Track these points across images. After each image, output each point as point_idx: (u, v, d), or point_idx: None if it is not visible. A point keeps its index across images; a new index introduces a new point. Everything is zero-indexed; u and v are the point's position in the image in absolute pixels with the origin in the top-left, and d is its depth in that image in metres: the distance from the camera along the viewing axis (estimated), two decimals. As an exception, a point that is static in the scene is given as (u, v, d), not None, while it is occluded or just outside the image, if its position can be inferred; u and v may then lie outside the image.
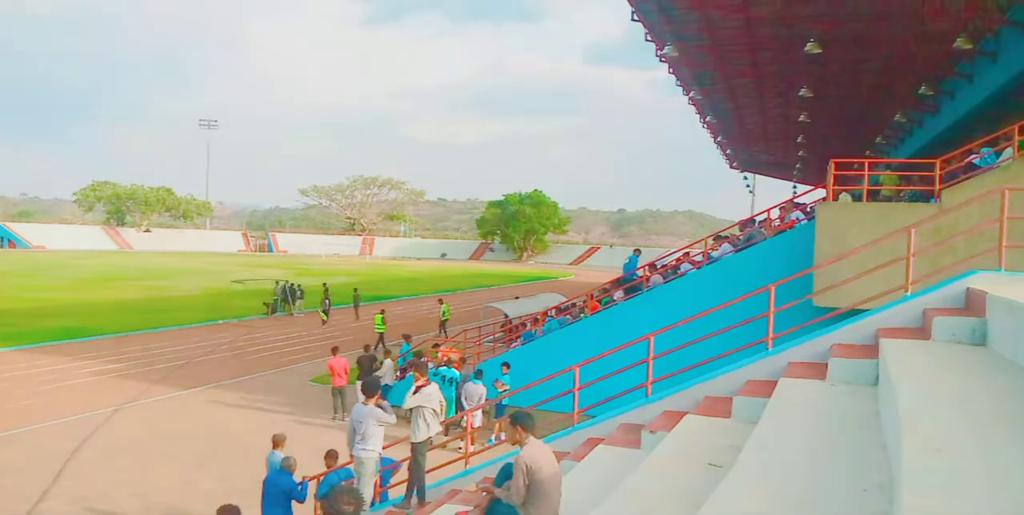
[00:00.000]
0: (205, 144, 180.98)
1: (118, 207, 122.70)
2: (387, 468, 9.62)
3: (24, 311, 31.92)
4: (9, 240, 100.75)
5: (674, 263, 18.95)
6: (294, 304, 35.27)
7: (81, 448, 13.34)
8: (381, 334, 27.46)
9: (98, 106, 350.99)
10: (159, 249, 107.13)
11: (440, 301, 30.78)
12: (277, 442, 9.40)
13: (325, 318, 31.74)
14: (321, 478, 9.00)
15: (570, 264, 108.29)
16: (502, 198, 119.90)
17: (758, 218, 19.05)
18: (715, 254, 17.51)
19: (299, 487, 8.53)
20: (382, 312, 27.97)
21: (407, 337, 19.94)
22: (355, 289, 34.01)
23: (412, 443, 8.62)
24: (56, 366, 20.89)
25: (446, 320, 29.31)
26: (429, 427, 8.63)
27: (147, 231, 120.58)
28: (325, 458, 9.19)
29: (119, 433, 14.49)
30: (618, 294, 18.55)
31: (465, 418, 12.55)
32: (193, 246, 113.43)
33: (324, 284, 34.69)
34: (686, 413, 6.98)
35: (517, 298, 25.28)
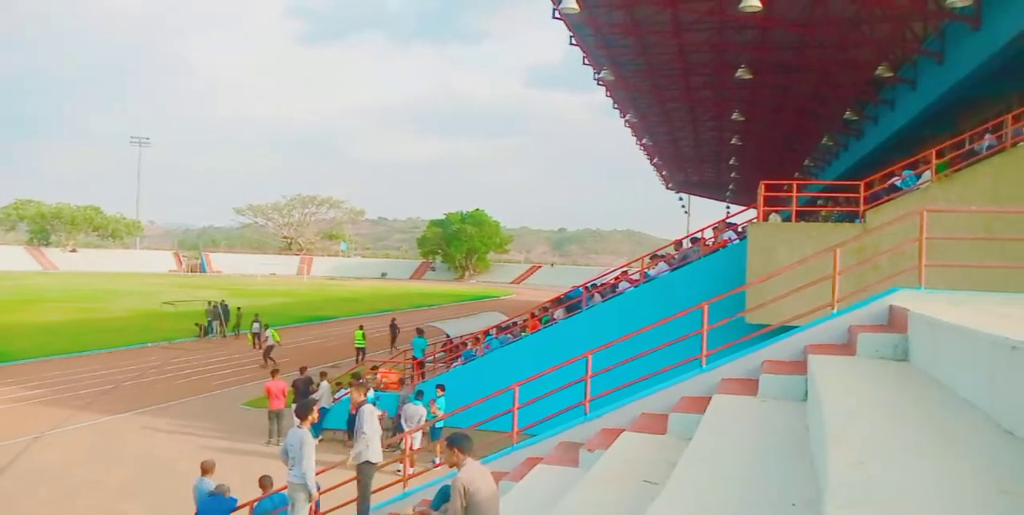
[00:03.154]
0: (136, 162, 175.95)
1: (42, 226, 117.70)
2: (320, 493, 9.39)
3: (-64, 335, 30.20)
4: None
5: (613, 282, 19.18)
6: (226, 325, 34.34)
7: (0, 478, 12.64)
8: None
9: (23, 122, 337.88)
10: (86, 270, 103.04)
11: (360, 327, 29.91)
12: (206, 469, 9.08)
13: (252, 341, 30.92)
14: (254, 504, 8.72)
15: (511, 283, 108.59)
16: (444, 217, 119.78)
17: (694, 237, 19.48)
18: (652, 273, 17.80)
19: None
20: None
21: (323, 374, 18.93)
22: (256, 315, 32.99)
23: (356, 465, 8.45)
24: (-30, 393, 19.81)
25: (362, 347, 28.42)
26: (371, 449, 8.48)
27: (73, 251, 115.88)
28: (259, 484, 8.92)
29: (40, 462, 13.79)
30: (558, 313, 18.66)
31: (404, 440, 12.38)
32: (122, 266, 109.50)
33: (239, 308, 34.00)
34: (623, 430, 7.04)
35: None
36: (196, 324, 34.39)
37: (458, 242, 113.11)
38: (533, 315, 19.89)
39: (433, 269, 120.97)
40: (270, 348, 25.89)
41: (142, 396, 20.16)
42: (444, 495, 5.54)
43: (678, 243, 20.12)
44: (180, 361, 26.78)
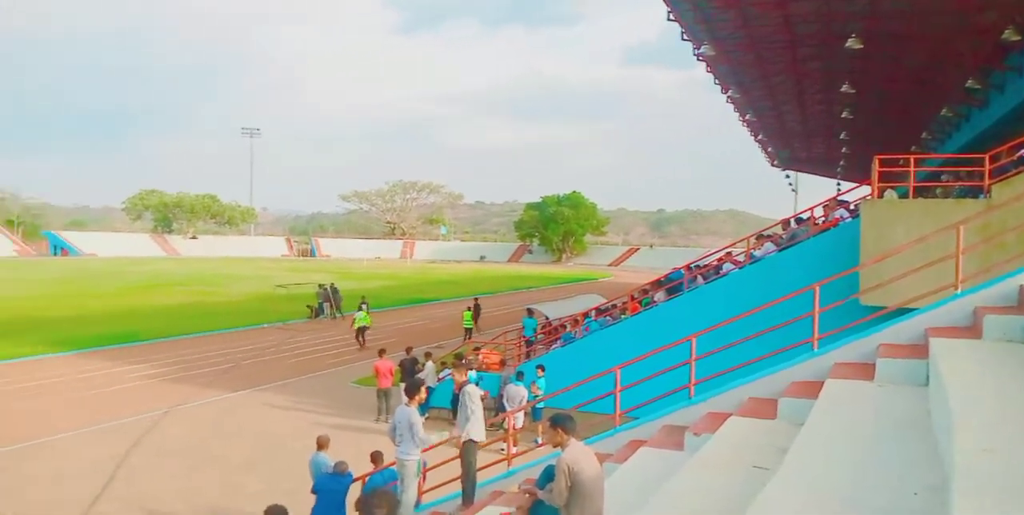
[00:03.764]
0: (248, 152, 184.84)
1: (165, 215, 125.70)
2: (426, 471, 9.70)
3: (76, 317, 32.90)
4: (62, 249, 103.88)
5: (716, 263, 18.74)
6: (336, 308, 35.69)
7: (132, 451, 13.68)
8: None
9: (146, 118, 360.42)
10: (205, 255, 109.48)
11: (468, 308, 30.70)
12: (321, 444, 9.54)
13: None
14: (366, 479, 9.10)
15: (609, 265, 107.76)
16: (540, 200, 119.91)
17: (801, 216, 18.75)
18: (758, 253, 17.27)
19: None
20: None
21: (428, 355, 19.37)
22: (362, 297, 34.00)
23: (461, 444, 8.67)
24: (107, 370, 21.48)
25: (469, 328, 29.25)
26: (474, 429, 8.66)
27: (193, 238, 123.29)
28: (371, 459, 9.30)
29: (168, 436, 14.84)
30: (659, 295, 18.41)
31: (507, 420, 12.58)
32: (238, 252, 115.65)
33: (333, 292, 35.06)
34: (730, 415, 6.90)
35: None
36: (307, 306, 35.99)
37: (555, 225, 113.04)
38: (633, 297, 19.71)
39: (530, 252, 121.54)
40: (361, 330, 26.74)
41: (259, 374, 21.32)
42: (549, 474, 5.61)
43: (785, 222, 19.40)
44: (293, 341, 28.13)
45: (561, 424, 5.48)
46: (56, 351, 24.12)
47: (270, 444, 14.40)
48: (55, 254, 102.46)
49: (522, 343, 21.57)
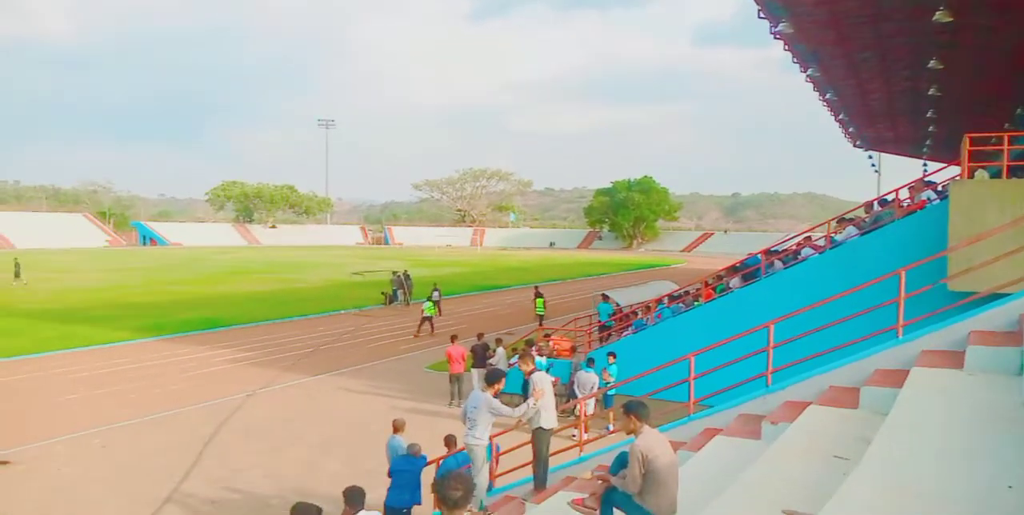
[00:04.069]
0: (324, 143, 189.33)
1: (246, 205, 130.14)
2: (498, 454, 9.82)
3: (165, 304, 34.50)
4: (150, 239, 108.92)
5: (794, 248, 18.21)
6: (408, 294, 36.29)
7: (219, 431, 14.29)
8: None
9: (227, 111, 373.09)
10: (284, 244, 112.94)
11: (539, 295, 30.78)
12: (398, 427, 9.75)
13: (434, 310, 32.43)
14: (439, 462, 9.26)
15: (682, 251, 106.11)
16: (610, 186, 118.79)
17: (885, 198, 18.00)
18: (839, 238, 16.70)
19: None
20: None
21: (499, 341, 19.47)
22: (434, 284, 34.42)
23: (533, 430, 8.73)
24: (195, 354, 22.46)
25: (542, 314, 29.32)
26: (548, 414, 8.69)
27: (273, 227, 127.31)
28: (445, 442, 9.47)
29: (253, 417, 15.43)
30: (734, 281, 18.04)
31: (578, 406, 12.59)
32: (315, 240, 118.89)
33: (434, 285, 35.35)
34: (809, 404, 6.73)
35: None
36: (382, 292, 36.75)
37: (625, 210, 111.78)
38: (707, 284, 19.36)
39: (600, 238, 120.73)
40: (426, 319, 27.10)
41: (337, 359, 21.93)
42: (622, 461, 5.59)
43: (868, 205, 18.69)
44: (369, 327, 28.79)
45: (635, 411, 5.44)
46: (148, 336, 25.34)
47: (348, 426, 14.82)
48: (144, 244, 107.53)
49: (596, 329, 21.54)
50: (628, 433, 5.53)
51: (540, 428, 8.69)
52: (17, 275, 42.07)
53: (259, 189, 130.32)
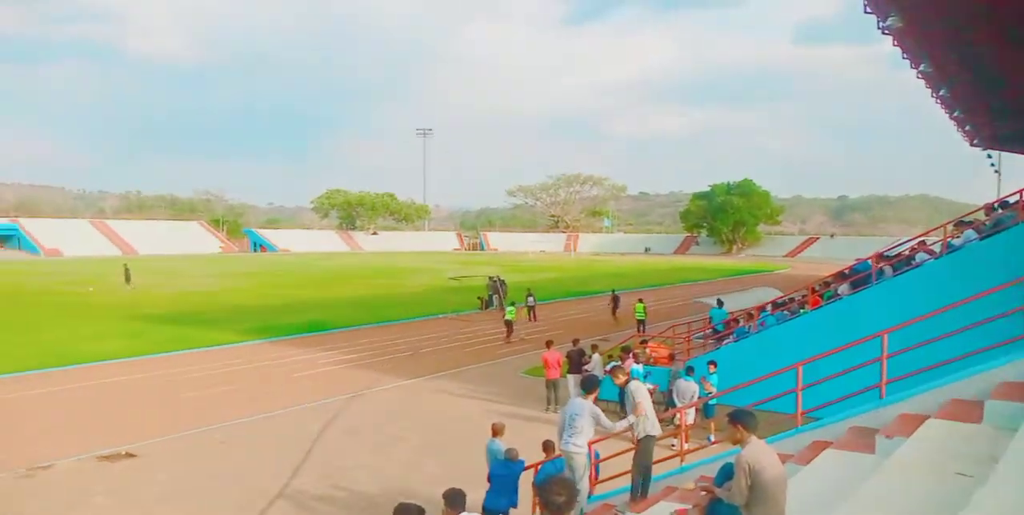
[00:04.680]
0: (421, 151, 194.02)
1: (349, 213, 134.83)
2: (598, 462, 9.76)
3: (274, 307, 36.16)
4: (260, 245, 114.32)
5: (907, 253, 17.30)
6: (504, 299, 36.65)
7: (326, 430, 14.84)
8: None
9: (331, 123, 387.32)
10: (384, 249, 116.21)
11: (639, 300, 30.49)
12: (496, 430, 9.85)
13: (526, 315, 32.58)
14: (538, 467, 9.30)
15: (785, 256, 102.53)
16: (708, 189, 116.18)
17: (1007, 200, 16.85)
18: (957, 242, 15.74)
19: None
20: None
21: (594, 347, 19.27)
22: (529, 289, 34.51)
23: (639, 438, 8.66)
24: (302, 356, 23.42)
25: (642, 320, 28.88)
26: (649, 423, 8.61)
27: (374, 233, 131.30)
28: (543, 448, 9.50)
29: (357, 417, 15.95)
30: (843, 288, 17.29)
31: (679, 416, 12.37)
32: (414, 246, 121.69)
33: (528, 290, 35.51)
34: (927, 417, 6.39)
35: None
36: (478, 297, 37.28)
37: (724, 214, 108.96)
38: (813, 290, 18.65)
39: (697, 243, 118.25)
40: (508, 323, 27.17)
41: (435, 362, 22.38)
42: (727, 472, 5.46)
43: (988, 207, 17.55)
44: (466, 331, 29.24)
45: (742, 420, 5.31)
46: (258, 338, 26.62)
47: (446, 429, 15.09)
48: (254, 250, 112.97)
49: (698, 336, 21.11)
50: (734, 443, 5.40)
51: (648, 436, 8.60)
52: (127, 280, 45.05)
53: (361, 197, 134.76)
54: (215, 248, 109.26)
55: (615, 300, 33.10)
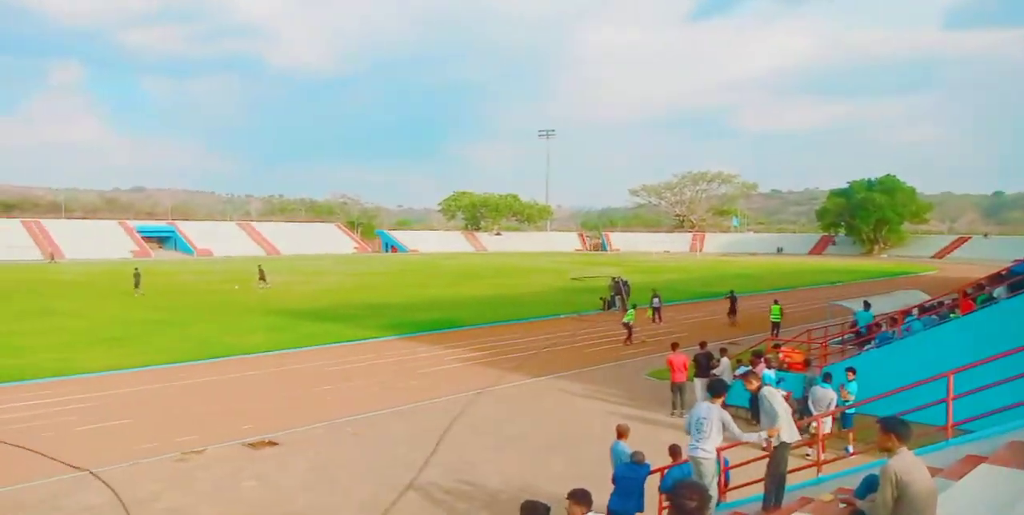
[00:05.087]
0: (544, 153, 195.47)
1: (474, 214, 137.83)
2: (727, 469, 9.48)
3: (404, 305, 37.47)
4: (391, 246, 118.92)
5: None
6: (627, 300, 36.25)
7: (453, 425, 15.22)
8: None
9: (458, 127, 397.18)
10: (507, 250, 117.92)
11: (775, 301, 29.31)
12: (622, 432, 9.77)
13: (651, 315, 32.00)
14: (664, 472, 9.15)
15: (933, 257, 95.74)
16: (846, 186, 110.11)
17: None
18: None
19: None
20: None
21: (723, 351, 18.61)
22: (654, 290, 33.65)
23: (773, 445, 8.35)
24: (430, 352, 24.14)
25: (777, 322, 27.66)
26: (789, 427, 8.28)
27: (498, 234, 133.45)
28: (669, 452, 9.33)
29: (482, 413, 16.26)
30: (999, 291, 15.93)
31: (816, 424, 11.81)
32: (536, 246, 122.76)
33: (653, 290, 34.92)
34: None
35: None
36: (600, 298, 37.10)
37: (865, 213, 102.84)
38: (966, 294, 17.28)
39: (834, 243, 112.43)
40: (626, 325, 26.68)
41: (558, 362, 22.45)
42: (869, 484, 5.16)
43: None
44: (588, 331, 29.17)
45: (895, 429, 4.96)
46: (389, 334, 27.67)
47: (569, 428, 15.11)
48: (386, 250, 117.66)
49: (835, 340, 20.07)
50: (882, 452, 5.08)
51: (783, 443, 8.28)
52: (262, 278, 47.97)
53: (485, 199, 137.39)
54: (350, 248, 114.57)
55: (732, 301, 31.98)
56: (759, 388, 8.54)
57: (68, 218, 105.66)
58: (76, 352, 23.15)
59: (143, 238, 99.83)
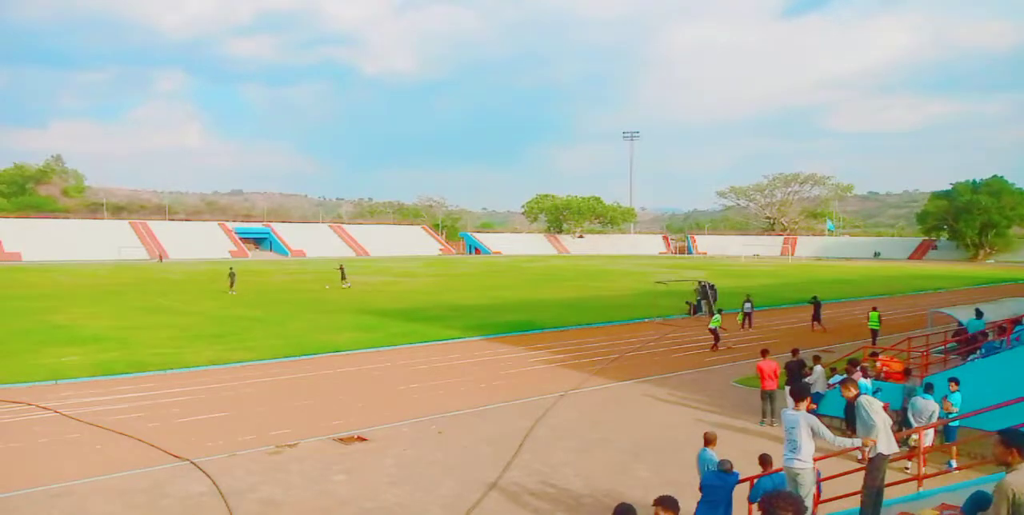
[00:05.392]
0: (628, 155, 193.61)
1: (556, 216, 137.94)
2: (819, 481, 9.14)
3: (488, 306, 37.83)
4: (475, 248, 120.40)
5: None
6: (713, 304, 35.45)
7: (535, 427, 15.24)
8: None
9: (541, 129, 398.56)
10: (590, 253, 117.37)
11: (873, 308, 28.08)
12: (709, 440, 9.56)
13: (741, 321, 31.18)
14: (754, 481, 8.91)
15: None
16: (949, 188, 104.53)
17: None
18: None
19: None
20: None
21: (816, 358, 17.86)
22: (747, 295, 32.58)
23: (869, 457, 8.04)
24: (514, 354, 24.27)
25: (876, 329, 26.46)
26: (886, 438, 7.95)
27: (580, 237, 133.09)
28: (759, 462, 9.08)
29: (564, 416, 16.22)
30: (1124, 301, 14.77)
31: (918, 437, 11.26)
32: (619, 249, 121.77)
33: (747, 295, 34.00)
34: None
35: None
36: (686, 302, 36.43)
37: (969, 216, 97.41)
38: (1084, 303, 16.11)
39: (936, 248, 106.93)
40: (713, 331, 25.97)
41: (642, 366, 22.17)
42: (979, 501, 4.87)
43: None
44: (673, 336, 28.69)
45: (1017, 443, 4.65)
46: (474, 335, 27.98)
47: (654, 434, 14.89)
48: (470, 252, 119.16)
49: (937, 348, 19.05)
50: (999, 466, 4.77)
51: (880, 454, 7.96)
52: (343, 278, 49.38)
53: (568, 201, 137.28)
54: (435, 250, 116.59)
55: (816, 307, 30.79)
56: (856, 396, 8.21)
57: (172, 220, 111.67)
58: (179, 347, 24.42)
59: (241, 239, 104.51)
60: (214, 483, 11.61)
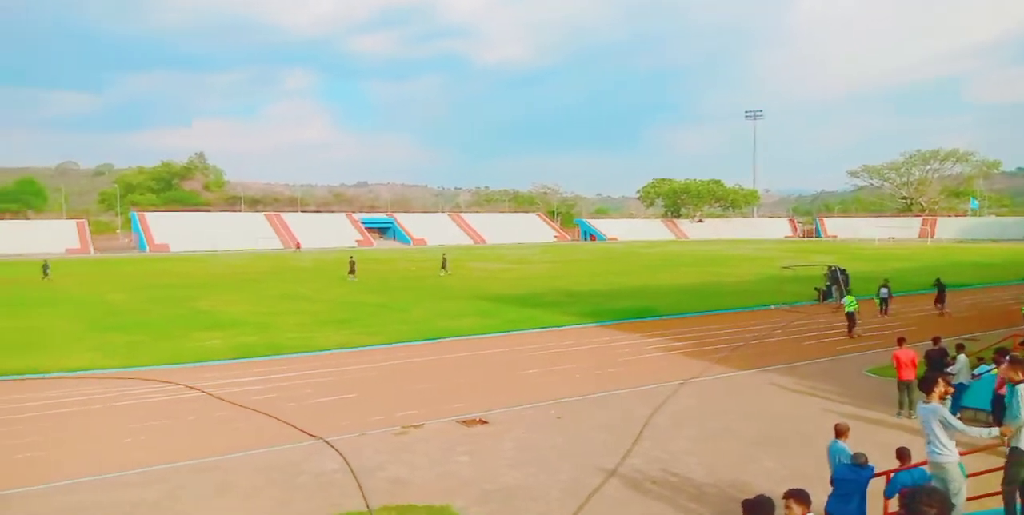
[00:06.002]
0: (751, 135, 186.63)
1: (674, 201, 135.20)
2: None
3: (604, 293, 37.61)
4: (590, 234, 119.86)
5: None
6: (844, 290, 33.68)
7: (655, 415, 15.05)
8: None
9: (656, 112, 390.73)
10: (710, 237, 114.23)
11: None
12: (841, 431, 9.15)
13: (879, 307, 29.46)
14: (890, 476, 8.45)
15: None
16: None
17: None
18: None
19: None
20: None
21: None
22: (884, 280, 30.49)
23: (1011, 449, 7.50)
24: (631, 341, 24.04)
25: None
26: (1021, 434, 7.38)
27: (700, 221, 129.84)
28: (897, 455, 8.61)
29: (685, 405, 15.93)
30: None
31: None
32: (741, 233, 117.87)
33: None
34: None
35: None
36: (815, 288, 34.86)
37: None
38: None
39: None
40: (849, 316, 24.50)
41: (767, 355, 21.42)
42: None
43: None
44: (801, 323, 27.53)
45: None
46: (590, 321, 27.93)
47: (779, 424, 14.37)
48: (585, 239, 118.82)
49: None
50: None
51: (1016, 448, 7.40)
52: (443, 267, 50.53)
53: (686, 185, 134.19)
54: (550, 237, 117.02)
55: (940, 290, 28.70)
56: (1018, 383, 7.62)
57: (303, 211, 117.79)
58: (311, 331, 25.79)
59: (366, 229, 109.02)
60: (346, 461, 12.21)
